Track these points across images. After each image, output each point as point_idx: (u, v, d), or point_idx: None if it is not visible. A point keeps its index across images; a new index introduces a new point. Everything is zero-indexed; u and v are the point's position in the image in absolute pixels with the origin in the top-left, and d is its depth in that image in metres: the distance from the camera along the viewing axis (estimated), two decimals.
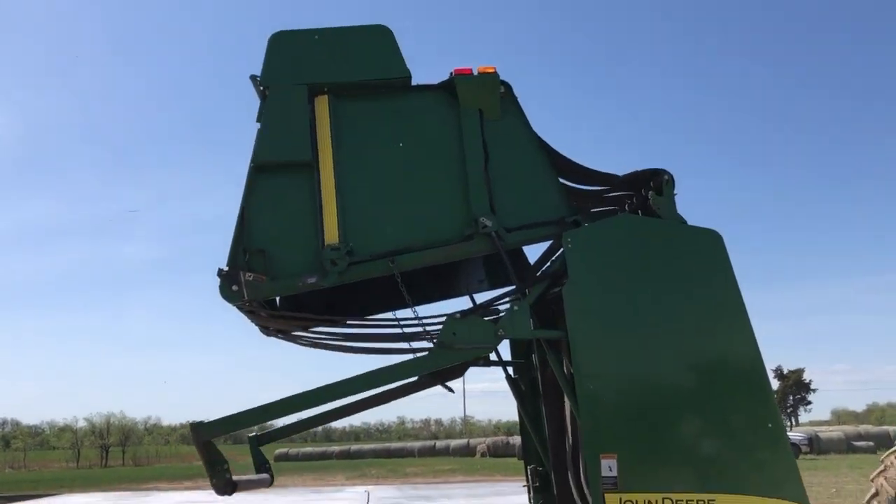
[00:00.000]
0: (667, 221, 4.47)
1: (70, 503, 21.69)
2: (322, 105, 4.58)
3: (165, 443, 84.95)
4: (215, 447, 4.39)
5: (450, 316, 4.42)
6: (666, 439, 4.16)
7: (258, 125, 4.55)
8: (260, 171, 4.51)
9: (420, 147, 4.62)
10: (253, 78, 4.59)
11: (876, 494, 6.26)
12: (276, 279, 4.41)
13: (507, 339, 4.51)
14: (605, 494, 4.03)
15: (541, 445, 5.65)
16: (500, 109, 4.58)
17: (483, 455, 48.17)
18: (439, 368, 4.56)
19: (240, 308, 4.54)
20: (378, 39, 4.63)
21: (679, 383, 4.24)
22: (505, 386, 5.88)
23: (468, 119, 4.55)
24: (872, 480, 6.38)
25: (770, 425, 4.19)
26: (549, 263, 5.19)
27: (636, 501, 4.03)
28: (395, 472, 32.24)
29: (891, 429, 43.39)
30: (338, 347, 5.04)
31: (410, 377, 4.66)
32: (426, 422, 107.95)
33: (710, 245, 4.40)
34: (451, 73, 4.58)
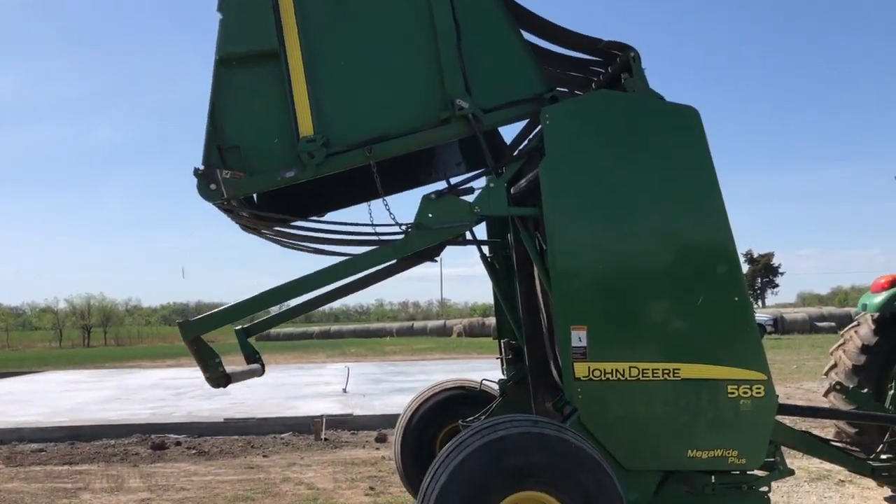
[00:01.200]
0: (645, 97, 4.42)
1: (54, 380, 22.14)
2: None
3: (146, 324, 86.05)
4: (205, 343, 4.45)
5: (425, 197, 4.40)
6: (635, 312, 4.27)
7: (219, 15, 4.36)
8: (226, 63, 4.37)
9: (390, 28, 4.47)
10: None
11: (834, 366, 6.53)
12: (253, 175, 4.38)
13: (482, 215, 4.52)
14: (575, 364, 4.17)
15: (514, 321, 5.79)
16: None
17: (459, 335, 49.44)
18: (418, 250, 4.57)
19: (218, 206, 4.51)
20: None
21: (650, 259, 4.32)
22: (481, 270, 5.98)
23: None
24: (832, 353, 6.64)
25: (736, 299, 4.30)
26: (525, 141, 5.15)
27: (603, 370, 4.18)
28: (374, 351, 33.11)
29: (852, 310, 44.90)
30: (315, 250, 5.05)
31: (390, 260, 4.67)
32: (404, 304, 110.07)
33: (687, 121, 4.38)
34: None
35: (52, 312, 74.18)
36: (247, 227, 5.00)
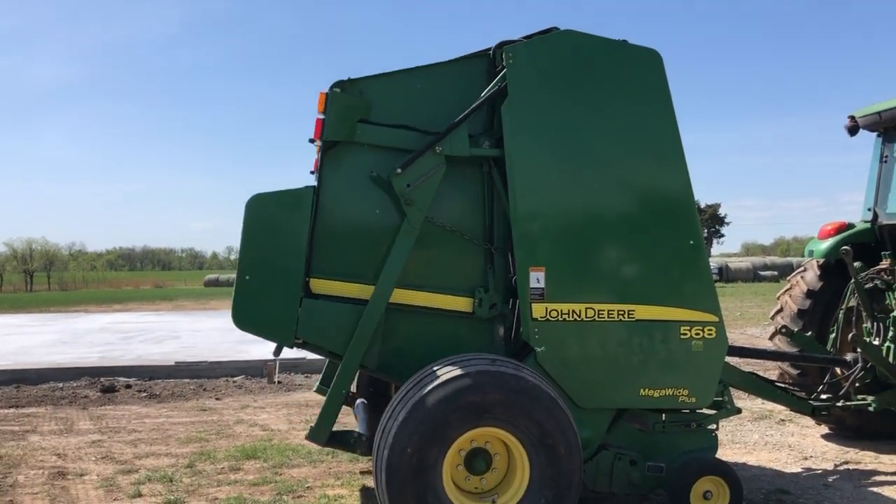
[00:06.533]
0: (608, 39, 4.39)
1: None
2: None
3: (92, 268, 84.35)
4: (336, 434, 4.41)
5: (393, 176, 4.23)
6: (592, 254, 4.31)
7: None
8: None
9: (380, 203, 4.34)
10: None
11: (780, 310, 6.74)
12: None
13: (445, 156, 4.43)
14: (532, 304, 4.20)
15: None
16: (364, 101, 4.32)
17: None
18: (420, 224, 4.36)
19: None
20: None
21: (609, 201, 4.34)
22: None
23: (366, 134, 4.31)
24: (778, 298, 6.84)
25: (691, 243, 4.37)
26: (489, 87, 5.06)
27: (560, 310, 4.23)
28: None
29: (794, 260, 46.41)
30: None
31: (412, 243, 4.37)
32: None
33: (650, 65, 4.37)
34: (314, 140, 4.35)
35: None
36: None
